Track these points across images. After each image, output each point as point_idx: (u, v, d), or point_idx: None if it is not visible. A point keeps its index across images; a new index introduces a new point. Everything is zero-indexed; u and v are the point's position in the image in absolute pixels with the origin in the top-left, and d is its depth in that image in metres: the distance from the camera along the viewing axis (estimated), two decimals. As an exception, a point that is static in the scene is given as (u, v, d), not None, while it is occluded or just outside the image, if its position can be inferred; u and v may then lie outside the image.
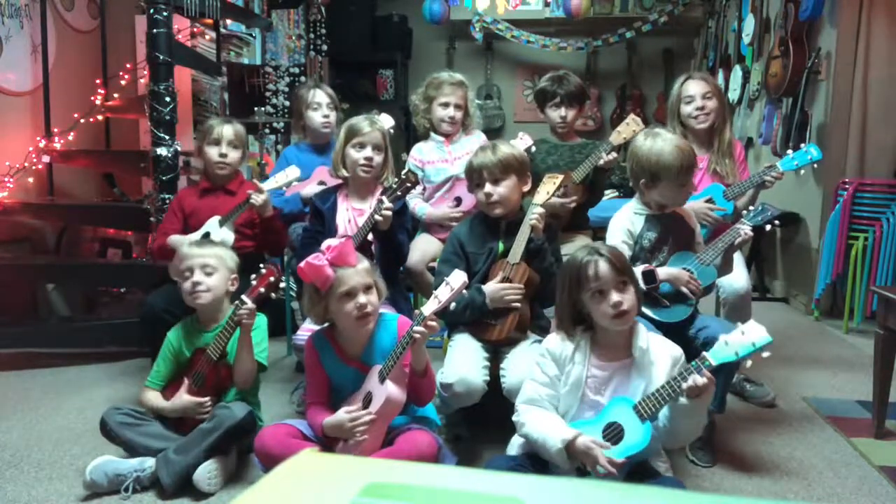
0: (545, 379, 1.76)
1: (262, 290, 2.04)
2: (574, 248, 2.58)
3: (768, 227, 2.16)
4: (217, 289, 2.13)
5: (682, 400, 1.60)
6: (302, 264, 1.84)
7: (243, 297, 2.02)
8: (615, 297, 1.66)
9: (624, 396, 1.67)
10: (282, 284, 2.10)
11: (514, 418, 1.78)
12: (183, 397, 2.06)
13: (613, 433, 1.64)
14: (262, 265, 2.08)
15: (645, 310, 2.09)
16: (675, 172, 2.04)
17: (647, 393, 1.65)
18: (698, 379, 1.56)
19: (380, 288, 1.92)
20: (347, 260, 1.85)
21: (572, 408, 1.72)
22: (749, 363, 1.59)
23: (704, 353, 1.60)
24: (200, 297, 2.11)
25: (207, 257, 2.13)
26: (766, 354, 1.57)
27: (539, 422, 1.70)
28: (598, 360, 1.74)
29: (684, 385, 1.57)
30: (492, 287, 2.10)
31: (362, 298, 1.84)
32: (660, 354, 1.72)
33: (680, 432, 1.68)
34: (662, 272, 2.06)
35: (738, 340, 1.58)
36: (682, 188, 2.09)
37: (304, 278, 1.87)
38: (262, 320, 2.17)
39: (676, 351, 1.76)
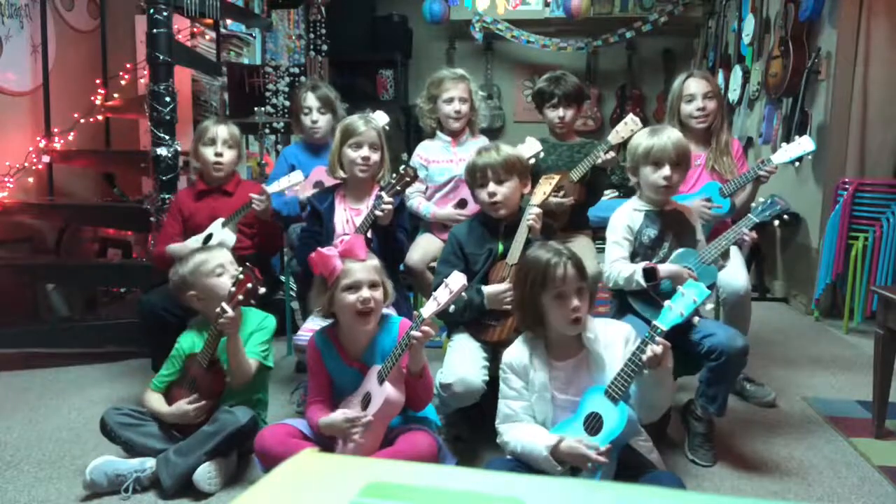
0: (513, 393, 1.79)
1: (241, 297, 1.97)
2: (574, 248, 2.58)
3: (777, 223, 2.16)
4: None
5: (646, 372, 1.65)
6: (313, 254, 1.87)
7: (223, 304, 1.96)
8: (575, 302, 1.70)
9: (594, 386, 1.71)
10: (262, 288, 2.05)
11: (497, 440, 1.81)
12: (182, 406, 2.05)
13: (594, 423, 1.67)
14: (240, 269, 2.02)
15: (642, 311, 2.09)
16: (668, 153, 2.07)
17: (610, 376, 1.70)
18: (655, 348, 1.62)
19: (387, 289, 1.92)
20: (356, 253, 1.87)
21: (548, 413, 1.75)
22: (697, 319, 1.67)
23: (654, 322, 1.66)
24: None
25: (221, 257, 2.14)
26: (709, 307, 1.64)
27: (520, 436, 1.73)
28: (555, 360, 1.78)
29: (644, 357, 1.63)
30: (491, 289, 2.10)
31: (366, 293, 1.85)
32: (610, 338, 1.77)
33: (652, 403, 1.75)
34: (663, 269, 2.06)
35: (679, 302, 1.66)
36: (668, 177, 2.08)
37: (313, 268, 1.89)
38: (270, 321, 2.18)
39: (625, 329, 1.81)
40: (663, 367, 1.65)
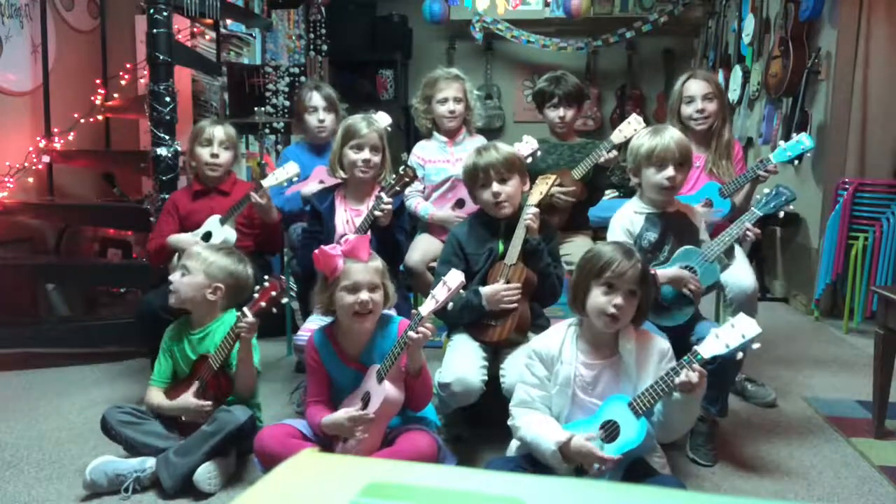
0: (535, 381, 1.76)
1: (264, 304, 1.99)
2: (574, 248, 2.58)
3: (781, 214, 2.16)
4: (183, 291, 2.10)
5: (676, 395, 1.61)
6: (316, 250, 1.87)
7: (245, 309, 1.99)
8: (619, 300, 1.66)
9: (619, 394, 1.68)
10: (285, 298, 2.07)
11: (508, 422, 1.78)
12: (187, 399, 2.05)
13: (610, 431, 1.65)
14: (266, 277, 2.04)
15: None
16: (671, 153, 2.06)
17: (636, 389, 1.67)
18: (691, 375, 1.57)
19: (388, 292, 1.92)
20: (358, 254, 1.87)
21: (564, 408, 1.72)
22: (741, 355, 1.60)
23: (696, 348, 1.61)
24: (170, 294, 2.13)
25: (193, 259, 2.12)
26: (756, 346, 1.58)
27: (533, 425, 1.70)
28: (585, 358, 1.74)
29: (677, 380, 1.59)
30: (489, 289, 2.10)
31: (364, 295, 1.84)
32: (646, 351, 1.73)
33: (674, 426, 1.70)
34: (662, 275, 2.04)
35: (728, 333, 1.59)
36: (672, 178, 2.07)
37: (316, 265, 1.89)
38: None
39: (664, 344, 1.77)
40: (695, 394, 1.60)
